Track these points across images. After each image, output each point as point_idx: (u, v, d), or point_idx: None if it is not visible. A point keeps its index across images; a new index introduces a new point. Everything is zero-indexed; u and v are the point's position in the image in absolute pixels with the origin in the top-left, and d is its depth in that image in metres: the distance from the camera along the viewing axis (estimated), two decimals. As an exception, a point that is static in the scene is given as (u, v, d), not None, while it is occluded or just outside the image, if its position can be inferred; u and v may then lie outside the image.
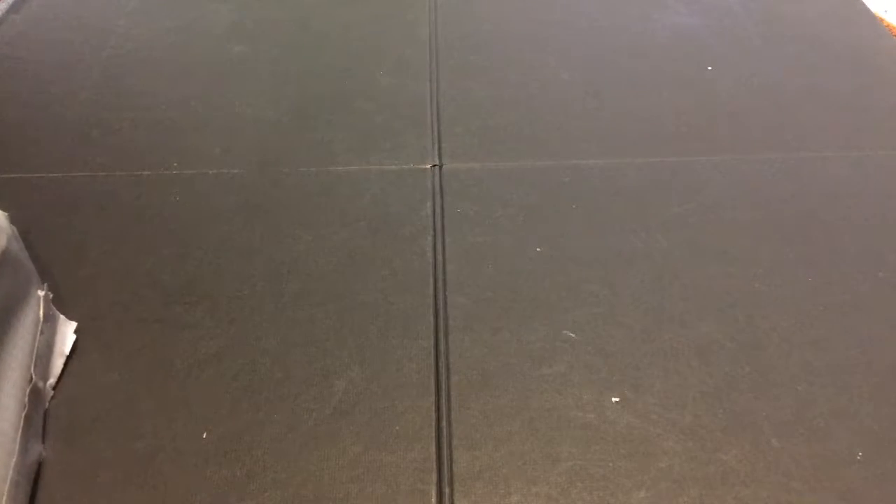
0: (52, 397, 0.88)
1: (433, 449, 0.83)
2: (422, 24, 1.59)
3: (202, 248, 1.07)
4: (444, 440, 0.84)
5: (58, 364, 0.89)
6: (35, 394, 0.83)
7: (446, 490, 0.80)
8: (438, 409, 0.87)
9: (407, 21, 1.60)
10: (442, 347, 0.94)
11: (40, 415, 0.84)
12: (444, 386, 0.89)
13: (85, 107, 1.35)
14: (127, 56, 1.49)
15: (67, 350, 0.91)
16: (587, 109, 1.34)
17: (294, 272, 1.03)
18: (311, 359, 0.92)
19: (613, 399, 0.88)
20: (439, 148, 1.25)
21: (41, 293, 0.91)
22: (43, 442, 0.83)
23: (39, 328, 0.88)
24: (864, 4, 1.67)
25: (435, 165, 1.22)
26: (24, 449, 0.77)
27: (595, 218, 1.12)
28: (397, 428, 0.85)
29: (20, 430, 0.78)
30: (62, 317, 0.94)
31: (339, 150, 1.25)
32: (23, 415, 0.79)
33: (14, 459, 0.75)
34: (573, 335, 0.95)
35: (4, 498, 0.72)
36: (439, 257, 1.05)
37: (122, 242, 1.08)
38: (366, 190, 1.16)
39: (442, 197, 1.15)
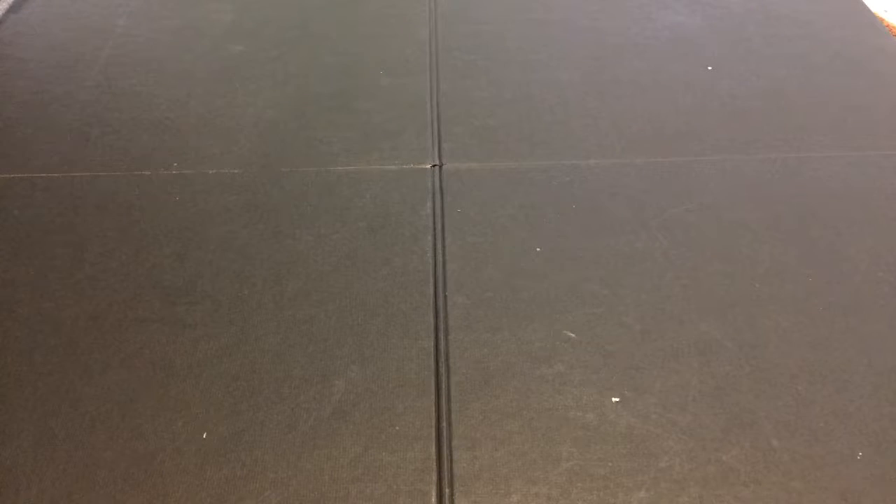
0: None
1: (433, 449, 0.83)
2: (422, 24, 1.59)
3: (202, 248, 1.07)
4: (444, 440, 0.84)
5: None
6: None
7: (446, 490, 0.80)
8: (438, 409, 0.87)
9: (407, 21, 1.60)
10: (442, 347, 0.94)
11: None
12: (444, 386, 0.89)
13: (85, 107, 1.35)
14: (127, 56, 1.49)
15: None
16: (587, 109, 1.34)
17: (294, 272, 1.03)
18: (311, 359, 0.92)
19: (613, 399, 0.88)
20: (439, 148, 1.25)
21: None
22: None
23: None
24: (864, 4, 1.67)
25: (435, 165, 1.22)
26: None
27: (595, 218, 1.12)
28: (397, 428, 0.85)
29: None
30: None
31: (339, 150, 1.25)
32: None
33: None
34: (573, 335, 0.95)
35: None
36: (439, 257, 1.05)
37: (122, 242, 1.08)
38: (366, 190, 1.16)
39: (442, 197, 1.15)
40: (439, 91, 1.39)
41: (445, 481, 0.81)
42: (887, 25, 1.86)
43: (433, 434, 0.85)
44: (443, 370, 0.91)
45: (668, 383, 0.90)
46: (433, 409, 0.87)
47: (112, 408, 0.87)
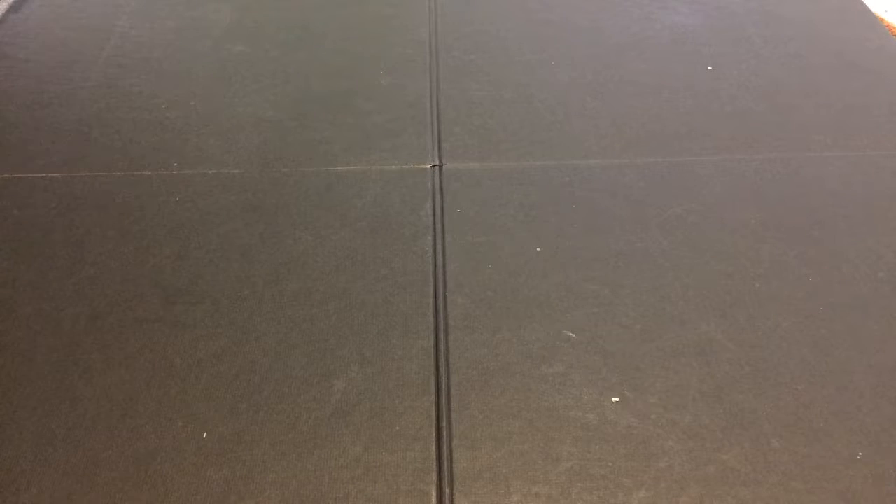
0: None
1: (433, 449, 0.83)
2: (422, 24, 1.59)
3: (202, 248, 1.07)
4: (444, 440, 0.84)
5: None
6: None
7: (446, 490, 0.80)
8: (438, 408, 0.87)
9: (407, 21, 1.60)
10: (442, 347, 0.94)
11: None
12: (444, 386, 0.89)
13: (85, 107, 1.35)
14: (127, 56, 1.49)
15: None
16: (587, 109, 1.34)
17: (294, 272, 1.03)
18: (311, 359, 0.92)
19: (613, 399, 0.88)
20: (439, 148, 1.25)
21: None
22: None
23: None
24: (864, 4, 1.67)
25: (435, 165, 1.22)
26: None
27: (595, 218, 1.12)
28: (397, 428, 0.85)
29: None
30: None
31: (339, 150, 1.25)
32: None
33: None
34: (573, 335, 0.95)
35: None
36: (439, 257, 1.05)
37: (122, 242, 1.08)
38: (366, 190, 1.16)
39: (442, 197, 1.15)
40: (439, 91, 1.39)
41: (445, 481, 0.81)
42: (887, 25, 1.86)
43: (433, 434, 0.85)
44: (443, 370, 0.91)
45: (668, 383, 0.90)
46: (433, 408, 0.87)
47: (112, 408, 0.87)
